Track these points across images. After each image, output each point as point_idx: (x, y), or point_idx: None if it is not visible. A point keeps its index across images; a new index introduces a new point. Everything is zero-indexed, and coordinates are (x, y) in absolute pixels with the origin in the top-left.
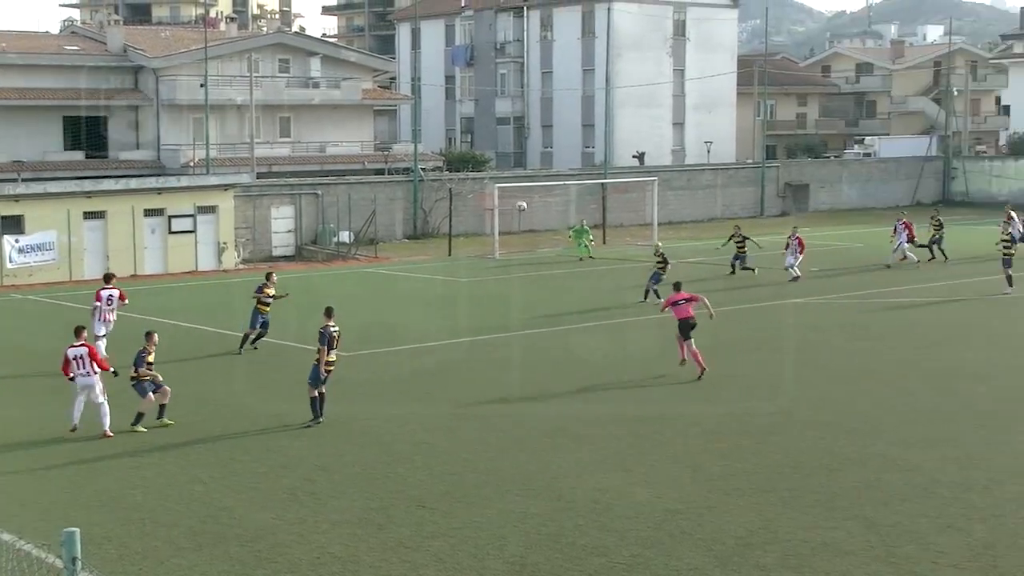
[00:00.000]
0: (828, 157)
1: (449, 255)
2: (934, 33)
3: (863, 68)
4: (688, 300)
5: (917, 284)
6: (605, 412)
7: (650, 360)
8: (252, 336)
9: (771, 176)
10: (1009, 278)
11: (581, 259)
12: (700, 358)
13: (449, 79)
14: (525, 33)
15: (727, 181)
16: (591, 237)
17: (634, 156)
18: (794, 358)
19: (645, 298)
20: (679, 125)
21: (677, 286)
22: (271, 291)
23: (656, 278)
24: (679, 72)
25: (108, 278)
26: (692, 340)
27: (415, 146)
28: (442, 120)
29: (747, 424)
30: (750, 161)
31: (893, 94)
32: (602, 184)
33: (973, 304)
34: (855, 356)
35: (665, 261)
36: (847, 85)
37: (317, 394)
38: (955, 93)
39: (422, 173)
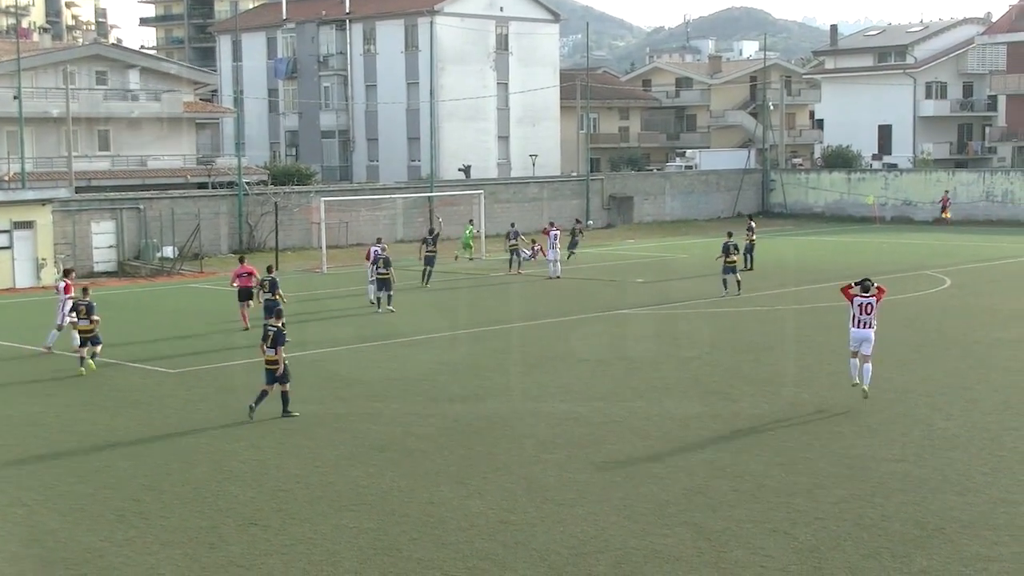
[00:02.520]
0: (651, 170)
1: (276, 269)
2: (749, 48)
3: (683, 82)
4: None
5: (742, 295)
6: (436, 426)
7: (480, 371)
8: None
9: (596, 188)
10: (725, 282)
11: (467, 259)
12: None
13: (272, 92)
14: (348, 46)
15: (553, 194)
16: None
17: (460, 169)
18: (624, 369)
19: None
20: (504, 138)
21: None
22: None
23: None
24: (503, 86)
25: None
26: None
27: (239, 160)
28: (266, 133)
29: (578, 435)
30: (575, 174)
31: (712, 108)
32: (429, 197)
33: (790, 312)
34: (685, 365)
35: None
36: (667, 99)
37: (268, 390)
38: (771, 107)
39: (246, 187)
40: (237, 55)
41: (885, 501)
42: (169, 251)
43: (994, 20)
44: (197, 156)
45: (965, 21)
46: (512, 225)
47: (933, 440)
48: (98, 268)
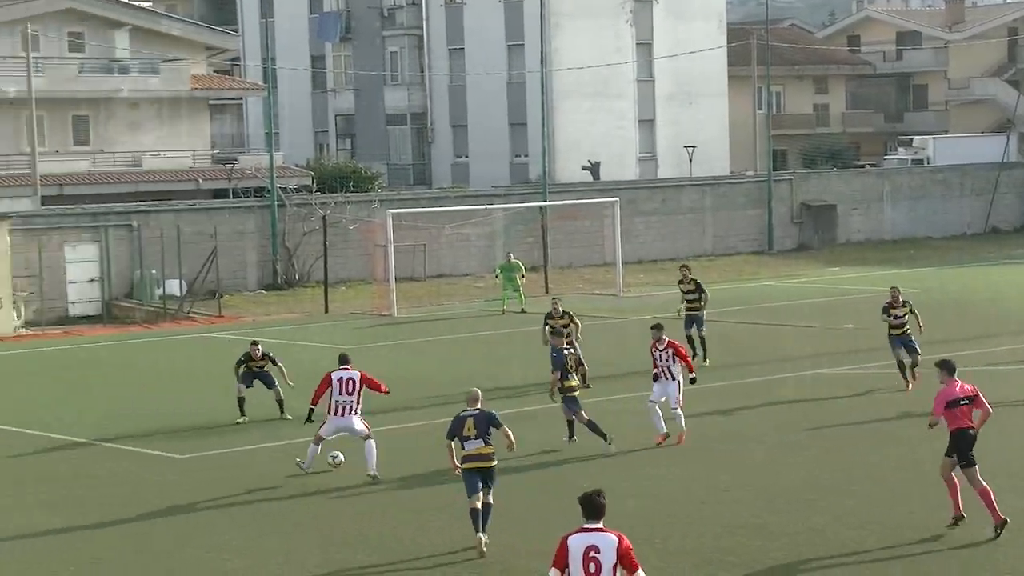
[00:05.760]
0: (862, 166)
1: (326, 312)
2: None
3: (907, 38)
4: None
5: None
6: None
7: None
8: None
9: (781, 194)
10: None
11: (504, 312)
12: (992, 499)
13: (317, 60)
14: None
15: (719, 202)
16: (523, 275)
17: (585, 168)
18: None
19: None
20: (648, 123)
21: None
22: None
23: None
24: (645, 47)
25: None
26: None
27: (271, 156)
28: (309, 119)
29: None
30: (750, 173)
31: (951, 75)
32: (541, 208)
33: None
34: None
35: (571, 323)
36: (884, 64)
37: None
38: None
39: (282, 195)
40: (266, 8)
41: None
42: (174, 286)
43: None
44: (212, 152)
45: None
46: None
47: None
48: (75, 311)
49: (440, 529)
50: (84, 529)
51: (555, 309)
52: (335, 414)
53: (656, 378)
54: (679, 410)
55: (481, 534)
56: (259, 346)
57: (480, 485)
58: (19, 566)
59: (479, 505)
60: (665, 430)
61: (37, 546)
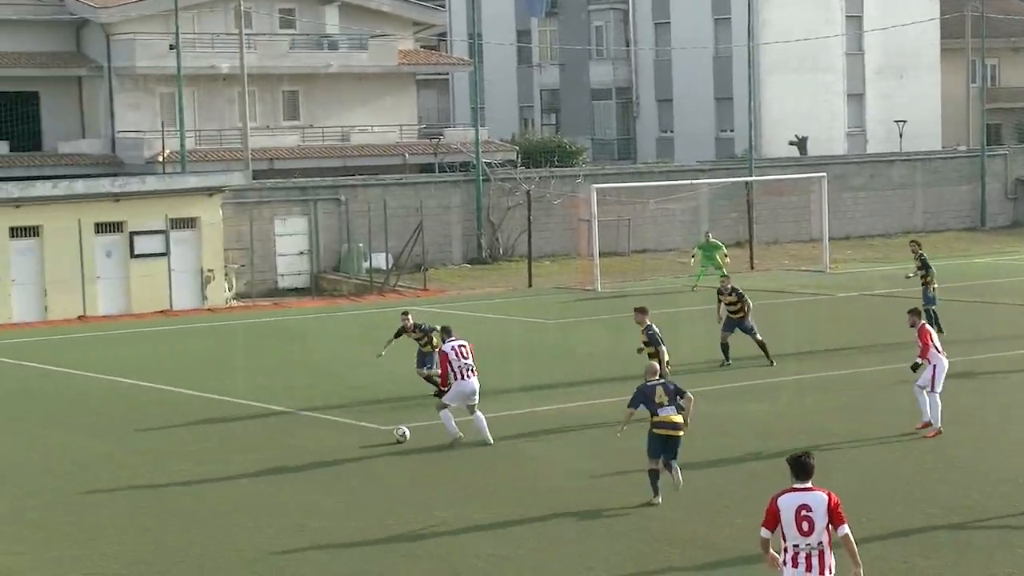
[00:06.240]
0: None
1: (529, 286)
2: None
3: None
4: None
5: None
6: None
7: None
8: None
9: (995, 169)
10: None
11: (695, 288)
12: None
13: (523, 35)
14: None
15: (930, 177)
16: (726, 255)
17: (792, 143)
18: None
19: (726, 358)
20: (857, 97)
21: None
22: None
23: (731, 326)
24: (854, 20)
25: None
26: None
27: (476, 131)
28: (514, 94)
29: None
30: (962, 148)
31: None
32: (746, 183)
33: None
34: None
35: (741, 300)
36: None
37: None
38: None
39: (487, 170)
40: None
41: None
42: (381, 259)
43: None
44: (419, 127)
45: None
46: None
47: None
48: (284, 283)
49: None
50: (290, 496)
51: (724, 286)
52: (461, 378)
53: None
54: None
55: (657, 498)
56: (409, 316)
57: (664, 451)
58: (227, 531)
59: (659, 467)
60: (928, 418)
61: (243, 514)
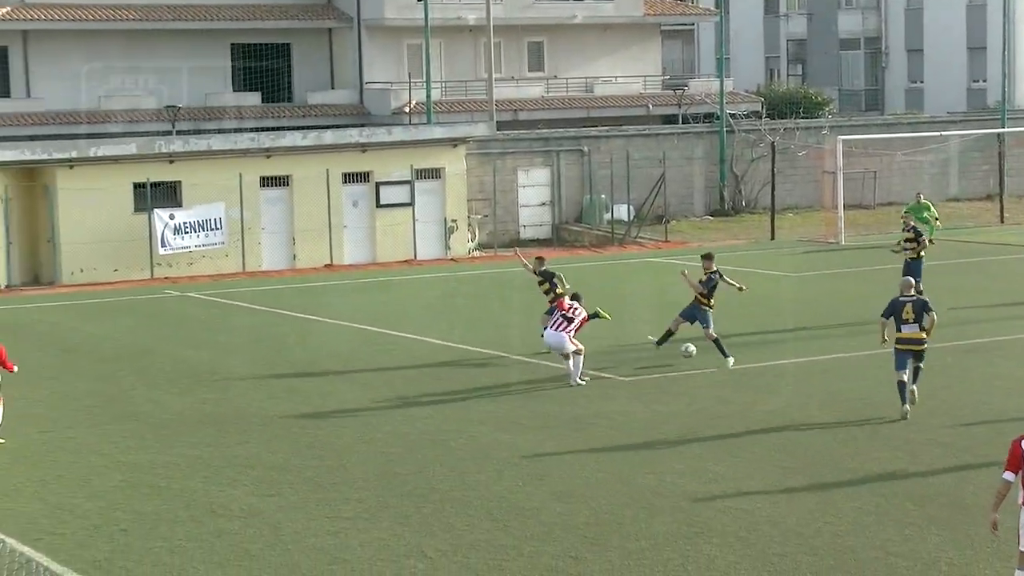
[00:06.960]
0: None
1: (772, 239)
2: None
3: None
4: None
5: None
6: None
7: None
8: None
9: None
10: None
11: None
12: None
13: None
14: None
15: None
16: (936, 217)
17: None
18: None
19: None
20: None
21: None
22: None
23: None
24: None
25: None
26: None
27: (721, 81)
28: (760, 45)
29: None
30: None
31: None
32: (999, 135)
33: None
34: None
35: (917, 240)
36: None
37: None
38: None
39: (731, 121)
40: None
41: None
42: (622, 211)
43: None
44: (663, 78)
45: None
46: None
47: None
48: (525, 234)
49: None
50: (529, 445)
51: (906, 224)
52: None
53: None
54: None
55: (906, 405)
56: (544, 262)
57: (909, 362)
58: (468, 478)
59: (905, 378)
60: None
61: (485, 461)
